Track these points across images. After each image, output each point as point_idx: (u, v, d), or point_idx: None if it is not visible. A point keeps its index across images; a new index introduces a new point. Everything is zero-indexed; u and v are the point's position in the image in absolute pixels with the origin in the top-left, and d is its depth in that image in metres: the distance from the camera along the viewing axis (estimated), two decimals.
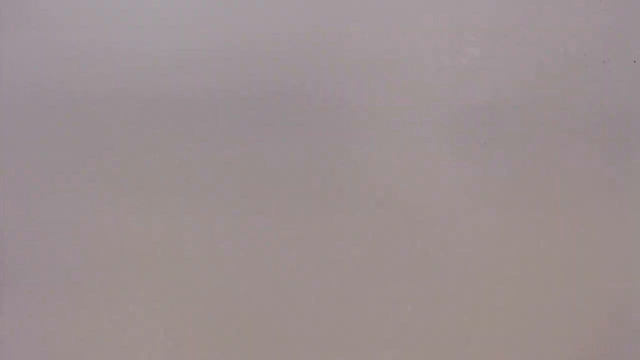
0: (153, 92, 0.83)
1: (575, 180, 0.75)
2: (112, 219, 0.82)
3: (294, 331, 0.78)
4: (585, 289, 0.74)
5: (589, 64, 0.76)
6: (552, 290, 0.74)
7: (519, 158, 0.76)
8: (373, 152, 0.78)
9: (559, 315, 0.74)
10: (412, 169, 0.77)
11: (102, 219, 0.82)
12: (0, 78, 0.86)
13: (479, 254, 0.75)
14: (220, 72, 0.81)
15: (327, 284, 0.78)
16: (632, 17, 0.75)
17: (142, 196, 0.82)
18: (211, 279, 0.80)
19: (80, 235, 0.83)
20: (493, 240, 0.75)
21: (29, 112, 0.86)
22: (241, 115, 0.81)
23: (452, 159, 0.77)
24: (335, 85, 0.79)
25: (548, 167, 0.75)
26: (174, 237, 0.81)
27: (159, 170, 0.82)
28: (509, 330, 0.74)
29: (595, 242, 0.74)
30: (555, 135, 0.75)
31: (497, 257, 0.75)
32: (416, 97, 0.78)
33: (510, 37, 0.77)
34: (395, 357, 0.76)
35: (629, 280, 0.73)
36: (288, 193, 0.79)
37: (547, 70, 0.76)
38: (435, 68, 0.78)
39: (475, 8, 0.78)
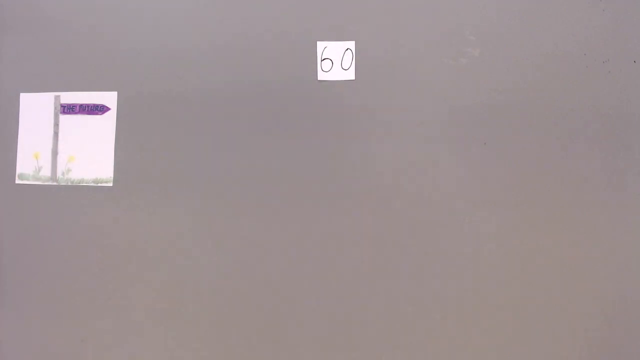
0: (152, 90, 0.83)
1: (575, 180, 0.75)
2: (110, 220, 0.82)
3: (294, 331, 0.78)
4: (585, 289, 0.74)
5: (589, 64, 0.76)
6: (552, 289, 0.74)
7: (519, 158, 0.76)
8: (373, 152, 0.78)
9: (558, 314, 0.74)
10: (412, 169, 0.77)
11: (98, 219, 0.82)
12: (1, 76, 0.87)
13: (479, 253, 0.75)
14: (221, 71, 0.81)
15: (327, 284, 0.78)
16: (632, 17, 0.75)
17: (140, 196, 0.82)
18: (212, 279, 0.80)
19: (78, 235, 0.83)
20: (493, 239, 0.75)
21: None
22: (240, 114, 0.81)
23: (452, 159, 0.77)
24: (335, 85, 0.79)
25: (548, 167, 0.75)
26: (173, 237, 0.81)
27: (158, 170, 0.82)
28: (509, 329, 0.74)
29: (595, 242, 0.74)
30: (555, 135, 0.75)
31: (497, 257, 0.75)
32: (416, 97, 0.78)
33: (510, 37, 0.77)
34: (395, 356, 0.76)
35: (629, 279, 0.73)
36: (287, 193, 0.79)
37: (547, 70, 0.76)
38: (435, 68, 0.78)
39: (475, 8, 0.78)
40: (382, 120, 0.78)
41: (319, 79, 0.79)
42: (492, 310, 0.75)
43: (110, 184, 0.82)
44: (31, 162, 0.85)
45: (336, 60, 0.79)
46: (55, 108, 0.85)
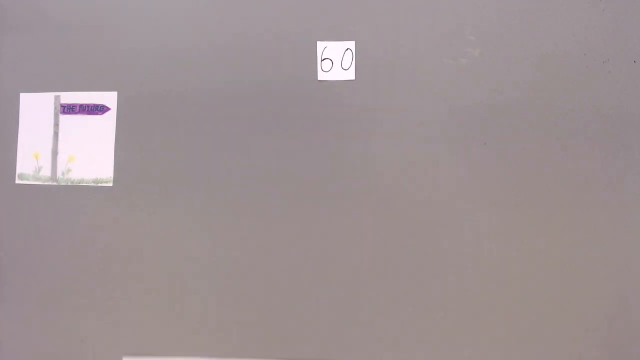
0: (152, 90, 0.83)
1: (575, 180, 0.75)
2: (110, 220, 0.82)
3: (294, 331, 0.78)
4: (585, 289, 0.74)
5: (589, 64, 0.76)
6: (552, 289, 0.74)
7: (519, 158, 0.76)
8: (373, 152, 0.78)
9: (558, 314, 0.74)
10: (412, 169, 0.77)
11: (98, 219, 0.82)
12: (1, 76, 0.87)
13: (479, 253, 0.75)
14: (221, 71, 0.81)
15: (327, 284, 0.78)
16: (632, 17, 0.75)
17: (140, 196, 0.82)
18: (212, 279, 0.80)
19: (78, 235, 0.83)
20: (493, 239, 0.75)
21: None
22: (240, 114, 0.81)
23: (452, 159, 0.77)
24: (335, 85, 0.79)
25: (548, 167, 0.75)
26: (173, 237, 0.81)
27: (158, 170, 0.82)
28: (509, 329, 0.74)
29: (595, 242, 0.74)
30: (555, 135, 0.75)
31: (497, 257, 0.75)
32: (416, 97, 0.78)
33: (510, 37, 0.77)
34: (395, 356, 0.76)
35: (629, 279, 0.73)
36: (287, 193, 0.79)
37: (547, 70, 0.76)
38: (435, 68, 0.78)
39: (475, 8, 0.78)
40: (382, 120, 0.78)
41: (319, 79, 0.79)
42: (492, 310, 0.75)
43: (110, 184, 0.82)
44: (31, 162, 0.85)
45: (336, 60, 0.79)
46: (55, 108, 0.85)
